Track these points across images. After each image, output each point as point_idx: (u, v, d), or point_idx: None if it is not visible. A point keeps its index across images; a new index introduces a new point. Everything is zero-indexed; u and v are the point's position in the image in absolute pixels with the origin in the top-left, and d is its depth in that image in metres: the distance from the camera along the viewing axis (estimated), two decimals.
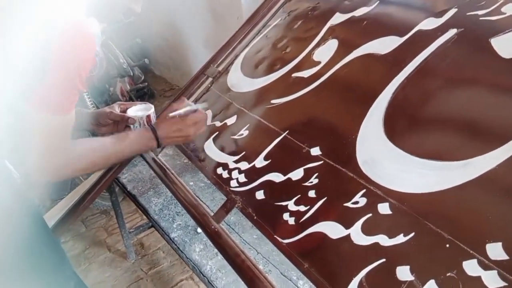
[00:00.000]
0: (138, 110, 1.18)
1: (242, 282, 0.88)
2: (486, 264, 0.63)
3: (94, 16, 0.88)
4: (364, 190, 0.81)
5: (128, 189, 1.68)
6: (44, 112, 0.80)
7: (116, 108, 1.22)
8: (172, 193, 1.15)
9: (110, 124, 1.20)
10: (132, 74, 2.66)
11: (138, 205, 1.63)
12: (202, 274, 1.28)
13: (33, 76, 0.75)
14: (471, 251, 0.65)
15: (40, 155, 0.84)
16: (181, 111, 1.13)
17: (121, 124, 1.19)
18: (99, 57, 2.40)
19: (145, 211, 1.59)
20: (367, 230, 0.76)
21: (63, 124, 0.85)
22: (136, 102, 1.28)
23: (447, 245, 0.67)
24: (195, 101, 1.36)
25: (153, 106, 1.19)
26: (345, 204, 0.82)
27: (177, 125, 1.11)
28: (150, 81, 3.21)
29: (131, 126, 1.16)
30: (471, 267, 0.64)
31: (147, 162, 1.27)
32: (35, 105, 0.78)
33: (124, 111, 1.21)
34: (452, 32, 0.92)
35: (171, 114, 1.12)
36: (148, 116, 1.15)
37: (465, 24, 0.91)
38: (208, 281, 1.26)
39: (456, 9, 0.95)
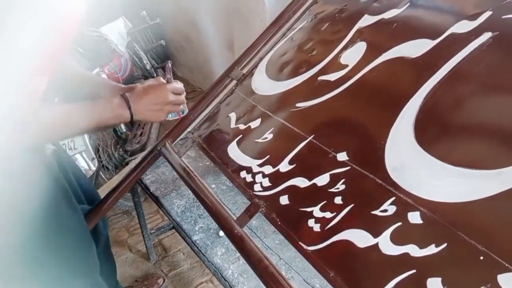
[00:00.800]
0: None
1: None
2: None
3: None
4: (394, 198, 0.79)
5: (151, 190, 1.69)
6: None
7: None
8: (195, 195, 1.14)
9: None
10: (155, 75, 2.69)
11: (161, 207, 1.64)
12: (224, 278, 1.27)
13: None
14: (506, 264, 0.62)
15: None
16: None
17: None
18: (124, 58, 2.43)
19: (167, 213, 1.59)
20: (396, 239, 0.74)
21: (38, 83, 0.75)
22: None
23: (481, 257, 0.64)
24: (220, 103, 1.35)
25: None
26: (373, 212, 0.80)
27: (154, 93, 1.04)
28: None
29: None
30: (506, 280, 0.61)
31: (170, 163, 1.27)
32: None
33: None
34: (486, 35, 0.88)
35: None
36: None
37: (500, 28, 0.87)
38: (230, 285, 1.25)
39: (490, 12, 0.91)
